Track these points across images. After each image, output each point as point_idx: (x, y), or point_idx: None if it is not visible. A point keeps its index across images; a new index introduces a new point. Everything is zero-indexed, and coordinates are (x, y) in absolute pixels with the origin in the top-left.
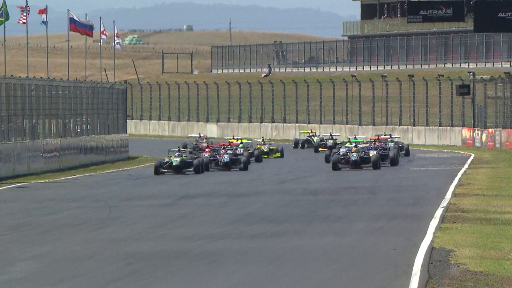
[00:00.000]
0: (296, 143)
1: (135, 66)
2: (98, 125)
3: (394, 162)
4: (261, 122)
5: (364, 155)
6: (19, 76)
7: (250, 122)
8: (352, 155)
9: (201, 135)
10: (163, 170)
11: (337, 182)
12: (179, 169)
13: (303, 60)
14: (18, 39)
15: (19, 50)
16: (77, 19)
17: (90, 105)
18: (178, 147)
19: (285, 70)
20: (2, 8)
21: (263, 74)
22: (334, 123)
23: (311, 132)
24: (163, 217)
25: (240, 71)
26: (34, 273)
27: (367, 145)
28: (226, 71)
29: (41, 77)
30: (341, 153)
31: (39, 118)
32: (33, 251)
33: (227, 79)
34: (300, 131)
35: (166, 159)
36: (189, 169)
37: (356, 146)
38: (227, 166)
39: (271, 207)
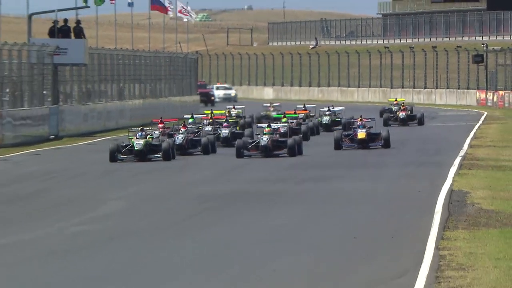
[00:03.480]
0: None
1: (204, 40)
2: (174, 89)
3: (421, 122)
4: (309, 86)
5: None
6: (109, 48)
7: (300, 86)
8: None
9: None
10: (122, 157)
11: None
12: (143, 155)
13: (344, 34)
14: (108, 16)
15: (109, 26)
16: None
17: (167, 72)
18: (141, 126)
19: (329, 43)
20: None
21: (311, 46)
22: (370, 86)
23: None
24: (227, 165)
25: (291, 44)
26: (123, 210)
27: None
28: (281, 44)
29: (127, 48)
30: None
31: (125, 82)
32: (121, 192)
33: (281, 51)
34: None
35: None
36: (156, 155)
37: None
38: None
39: (318, 156)
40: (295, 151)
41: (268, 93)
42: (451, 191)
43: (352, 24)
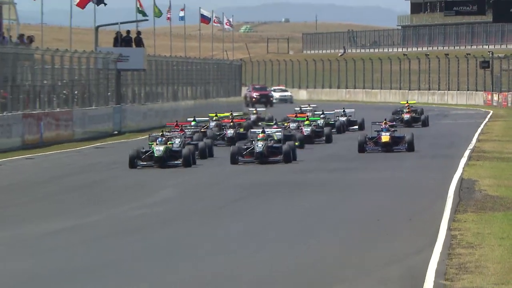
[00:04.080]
0: None
1: (247, 48)
2: (221, 90)
3: (425, 124)
4: (338, 88)
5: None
6: (165, 55)
7: (330, 88)
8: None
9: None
10: (141, 163)
11: None
12: (162, 161)
13: (368, 44)
14: (164, 28)
15: (164, 36)
16: (206, 14)
17: (215, 76)
18: (162, 131)
19: (356, 51)
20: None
21: (339, 54)
22: (391, 89)
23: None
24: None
25: (323, 52)
26: (176, 196)
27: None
28: (313, 52)
29: (180, 56)
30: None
31: (179, 85)
32: (174, 181)
33: (313, 58)
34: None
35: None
36: (176, 162)
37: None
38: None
39: (344, 150)
40: (290, 157)
41: (302, 94)
42: (461, 180)
43: (375, 35)
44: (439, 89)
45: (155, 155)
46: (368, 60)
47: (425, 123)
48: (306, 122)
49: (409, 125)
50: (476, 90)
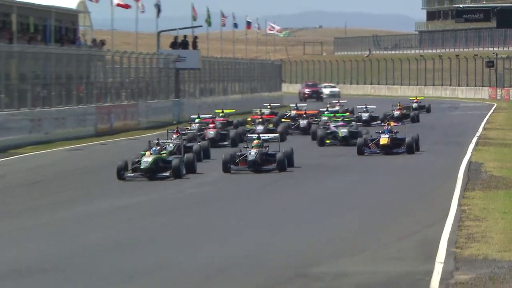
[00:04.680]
0: None
1: (286, 50)
2: (264, 86)
3: (414, 120)
4: (364, 84)
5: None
6: (216, 56)
7: (357, 84)
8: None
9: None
10: (129, 175)
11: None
12: (151, 172)
13: (390, 46)
14: (215, 33)
15: (216, 41)
16: (251, 21)
17: (259, 74)
18: (157, 139)
19: (379, 52)
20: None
21: (366, 55)
22: (409, 85)
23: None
24: (299, 144)
25: (351, 53)
26: (219, 178)
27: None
28: (343, 53)
29: (230, 57)
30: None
31: (228, 82)
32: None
33: (343, 58)
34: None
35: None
36: (164, 174)
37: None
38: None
39: None
40: (285, 165)
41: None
42: (469, 163)
43: (396, 39)
44: (450, 85)
45: (141, 166)
46: (390, 61)
47: (414, 119)
48: (333, 119)
49: (400, 120)
50: (482, 86)
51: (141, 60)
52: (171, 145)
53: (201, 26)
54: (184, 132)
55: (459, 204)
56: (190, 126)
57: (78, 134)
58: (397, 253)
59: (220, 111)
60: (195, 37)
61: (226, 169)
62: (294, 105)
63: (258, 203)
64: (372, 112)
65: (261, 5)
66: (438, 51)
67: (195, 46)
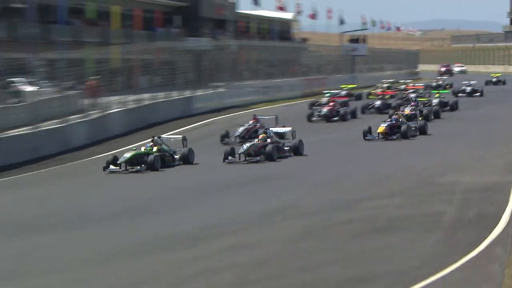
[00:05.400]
0: None
1: (421, 45)
2: (406, 66)
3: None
4: (471, 65)
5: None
6: (377, 47)
7: (468, 65)
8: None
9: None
10: (113, 168)
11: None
12: (130, 164)
13: (486, 40)
14: (377, 34)
15: (377, 38)
16: (398, 26)
17: (401, 60)
18: (153, 137)
19: (479, 45)
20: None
21: (471, 46)
22: (497, 65)
23: None
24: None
25: (461, 45)
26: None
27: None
28: (458, 45)
29: (385, 48)
30: None
31: (384, 64)
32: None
33: (457, 49)
34: None
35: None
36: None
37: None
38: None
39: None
40: (273, 157)
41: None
42: None
43: (490, 36)
44: None
45: (118, 161)
46: (486, 50)
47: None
48: (436, 95)
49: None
50: None
51: (331, 50)
52: (240, 129)
53: (367, 29)
54: (317, 103)
55: None
56: (322, 98)
57: (290, 96)
58: (492, 169)
59: (344, 86)
60: (364, 36)
61: (224, 159)
62: (404, 80)
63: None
64: (473, 86)
65: (404, 14)
66: None
67: (364, 41)
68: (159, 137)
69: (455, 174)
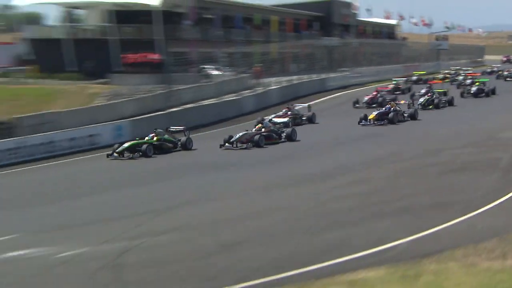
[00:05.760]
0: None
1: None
2: (475, 57)
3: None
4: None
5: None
6: (455, 44)
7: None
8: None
9: None
10: (115, 154)
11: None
12: (129, 152)
13: None
14: (459, 34)
15: (460, 38)
16: (471, 28)
17: (468, 52)
18: (154, 130)
19: None
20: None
21: (509, 42)
22: None
23: None
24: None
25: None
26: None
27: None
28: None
29: (463, 43)
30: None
31: (461, 54)
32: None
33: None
34: None
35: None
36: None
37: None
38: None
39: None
40: (260, 144)
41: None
42: None
43: None
44: None
45: (117, 150)
46: None
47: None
48: (477, 84)
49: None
50: None
51: (423, 46)
52: (273, 116)
53: (448, 30)
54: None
55: None
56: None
57: (343, 85)
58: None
59: (417, 72)
60: (446, 35)
61: (221, 145)
62: (459, 67)
63: (338, 154)
64: (494, 69)
65: (474, 19)
66: None
67: (446, 39)
68: (167, 129)
69: (510, 132)
